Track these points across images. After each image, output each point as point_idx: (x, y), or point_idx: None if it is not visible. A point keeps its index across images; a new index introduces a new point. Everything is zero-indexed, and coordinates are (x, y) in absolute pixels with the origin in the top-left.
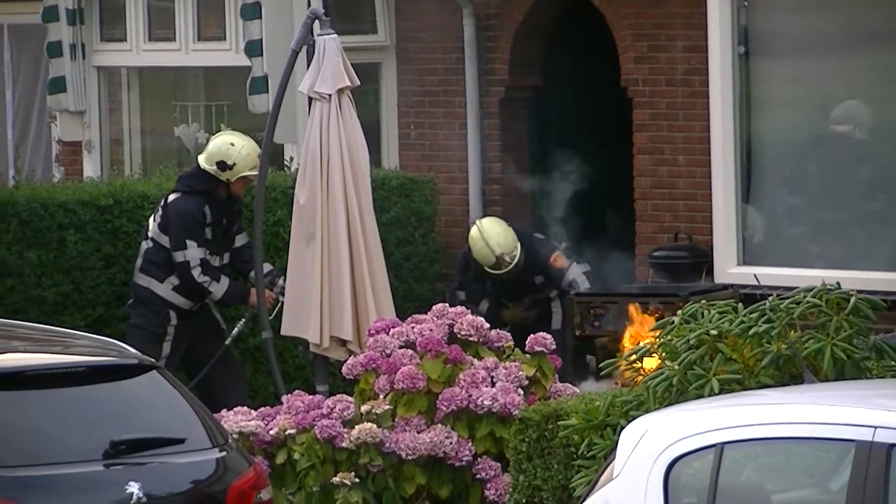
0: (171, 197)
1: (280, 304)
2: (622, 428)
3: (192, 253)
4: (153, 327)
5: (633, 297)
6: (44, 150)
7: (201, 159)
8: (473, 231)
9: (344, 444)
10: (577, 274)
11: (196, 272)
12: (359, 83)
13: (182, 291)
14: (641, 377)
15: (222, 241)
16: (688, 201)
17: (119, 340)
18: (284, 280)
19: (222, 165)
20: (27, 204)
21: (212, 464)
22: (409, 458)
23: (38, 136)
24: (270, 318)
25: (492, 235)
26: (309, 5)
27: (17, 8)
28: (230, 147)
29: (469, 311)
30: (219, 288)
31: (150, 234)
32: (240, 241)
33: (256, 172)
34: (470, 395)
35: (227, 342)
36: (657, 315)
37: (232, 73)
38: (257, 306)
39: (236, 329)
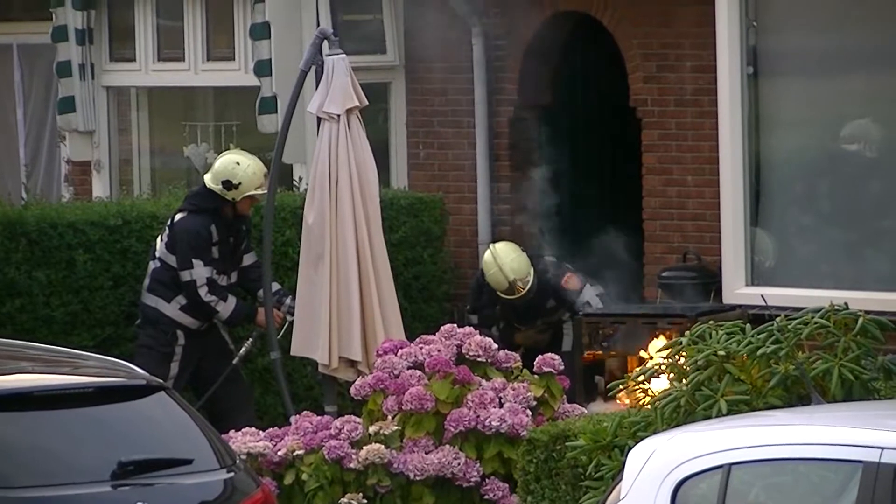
0: (178, 216)
1: (288, 323)
2: (630, 449)
3: (199, 272)
4: (161, 347)
5: (642, 318)
6: (56, 170)
7: (207, 178)
8: (487, 256)
9: (352, 465)
10: (590, 296)
11: (203, 291)
12: (367, 103)
13: (189, 311)
14: (650, 398)
15: (229, 260)
16: (697, 221)
17: (128, 361)
18: (292, 299)
19: (228, 185)
20: (36, 224)
21: (220, 485)
22: (418, 478)
23: (50, 156)
24: (278, 337)
25: (506, 261)
26: (318, 25)
27: (27, 28)
28: (236, 166)
29: (478, 332)
30: (226, 307)
31: (157, 254)
32: (247, 260)
33: (262, 191)
34: (478, 416)
35: (234, 362)
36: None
37: (241, 93)
38: (266, 326)
39: (244, 348)
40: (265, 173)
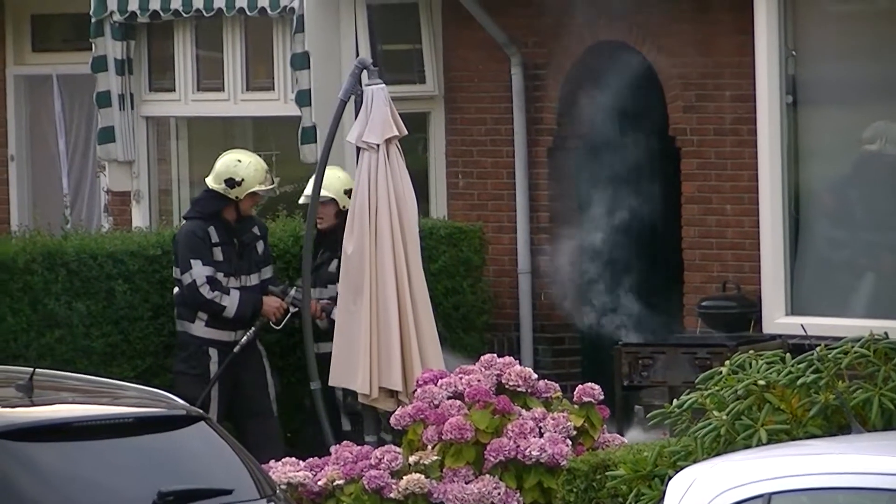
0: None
1: (289, 313)
2: (670, 478)
3: (198, 271)
4: (192, 370)
5: (681, 347)
6: (97, 200)
7: (209, 180)
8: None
9: (392, 495)
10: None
11: (204, 290)
12: (407, 133)
13: (214, 325)
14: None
15: (237, 262)
16: (736, 251)
17: (167, 391)
18: (297, 290)
19: (231, 183)
20: (76, 254)
21: None
22: None
23: (93, 186)
24: (279, 328)
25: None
26: (357, 55)
27: (66, 58)
28: (237, 164)
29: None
30: (231, 300)
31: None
32: (266, 273)
33: (265, 188)
34: (518, 446)
35: (235, 350)
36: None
37: (280, 122)
38: (268, 315)
39: (245, 338)
40: (266, 170)
